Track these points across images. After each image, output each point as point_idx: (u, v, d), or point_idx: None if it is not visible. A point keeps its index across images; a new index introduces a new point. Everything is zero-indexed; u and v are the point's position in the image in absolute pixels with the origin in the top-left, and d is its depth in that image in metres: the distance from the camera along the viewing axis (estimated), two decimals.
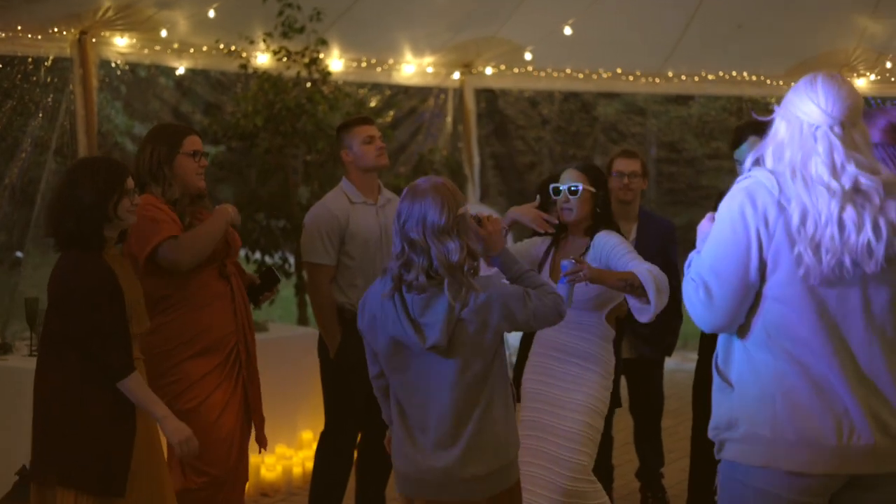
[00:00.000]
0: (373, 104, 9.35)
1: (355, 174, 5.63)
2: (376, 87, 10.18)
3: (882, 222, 3.14)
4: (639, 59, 10.59)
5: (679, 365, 9.65)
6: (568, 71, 10.68)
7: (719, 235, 3.24)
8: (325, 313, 5.51)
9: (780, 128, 3.24)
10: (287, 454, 6.61)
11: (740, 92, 11.79)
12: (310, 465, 6.48)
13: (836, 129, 3.16)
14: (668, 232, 6.18)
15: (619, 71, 10.74)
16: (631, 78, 10.79)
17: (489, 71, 10.58)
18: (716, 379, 3.33)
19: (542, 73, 10.69)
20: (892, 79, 10.44)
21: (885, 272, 3.15)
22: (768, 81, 10.80)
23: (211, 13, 8.47)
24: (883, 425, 3.14)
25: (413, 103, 10.65)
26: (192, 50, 9.02)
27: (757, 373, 3.22)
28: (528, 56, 10.18)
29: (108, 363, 4.05)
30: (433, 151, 9.81)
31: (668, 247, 6.07)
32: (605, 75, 10.75)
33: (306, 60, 8.42)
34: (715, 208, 3.32)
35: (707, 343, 5.61)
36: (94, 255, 4.12)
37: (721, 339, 3.34)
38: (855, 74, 10.55)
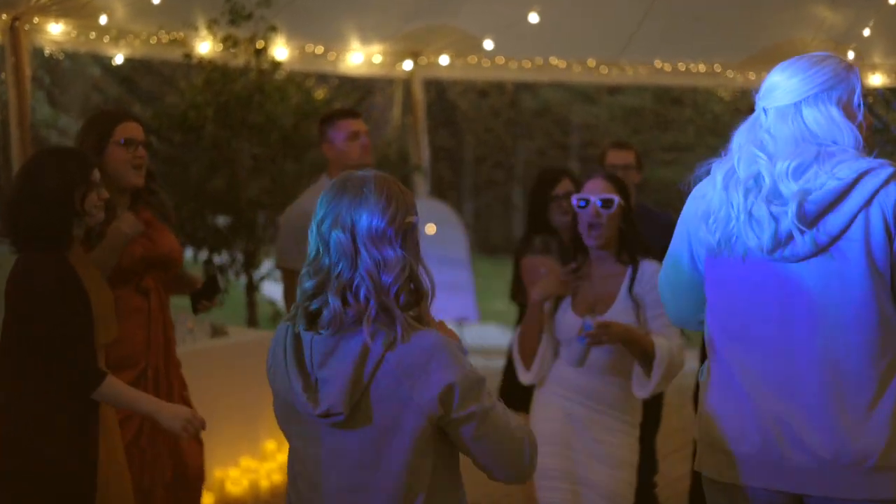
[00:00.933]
0: (319, 96, 8.91)
1: (337, 171, 5.26)
2: (322, 78, 9.76)
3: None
4: (593, 50, 10.31)
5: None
6: (521, 61, 10.36)
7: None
8: None
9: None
10: (252, 466, 6.23)
11: (695, 82, 11.64)
12: (277, 477, 6.17)
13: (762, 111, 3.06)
14: (668, 226, 5.91)
15: (572, 61, 10.46)
16: (582, 68, 10.50)
17: (442, 61, 10.22)
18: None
19: (494, 63, 10.36)
20: None
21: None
22: (724, 72, 10.60)
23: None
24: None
25: (360, 94, 10.26)
26: (130, 37, 8.56)
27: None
28: (488, 45, 9.84)
29: (77, 373, 3.67)
30: (389, 144, 9.44)
31: (668, 241, 5.83)
32: (559, 65, 10.46)
33: (258, 46, 8.00)
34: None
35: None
36: (58, 256, 3.72)
37: None
38: None
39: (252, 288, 8.33)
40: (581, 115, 21.36)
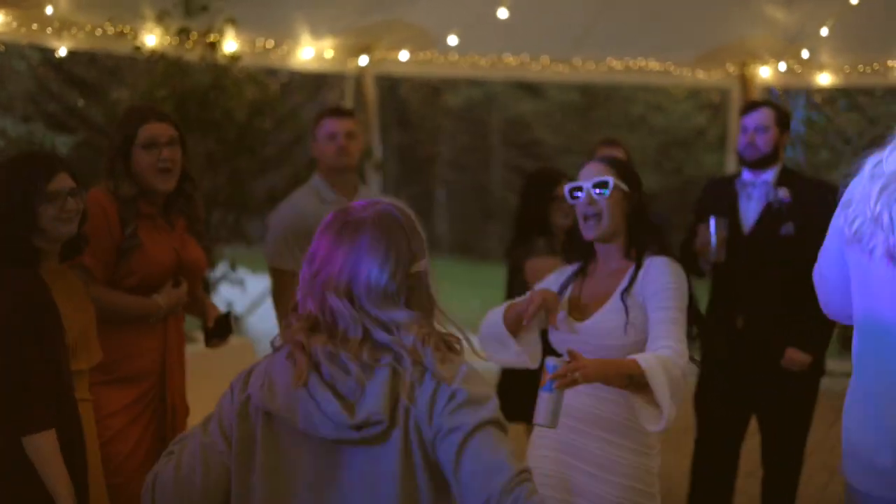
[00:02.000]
0: (273, 90, 8.69)
1: (324, 170, 5.14)
2: (271, 73, 9.51)
3: None
4: (547, 47, 10.20)
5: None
6: (474, 58, 10.22)
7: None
8: None
9: None
10: None
11: (647, 80, 11.62)
12: None
13: None
14: (664, 226, 5.80)
15: (525, 59, 10.34)
16: (537, 66, 10.39)
17: (401, 56, 10.02)
18: None
19: (447, 60, 10.20)
20: (799, 69, 10.35)
21: None
22: (675, 70, 10.56)
23: None
24: None
25: (310, 90, 10.04)
26: (75, 29, 8.23)
27: None
28: (444, 40, 9.67)
29: (22, 410, 3.22)
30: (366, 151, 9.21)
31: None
32: (512, 62, 10.33)
33: (213, 39, 7.73)
34: None
35: (708, 347, 5.27)
36: (23, 272, 3.36)
37: None
38: (760, 63, 10.44)
39: (207, 290, 8.06)
40: (506, 112, 21.43)
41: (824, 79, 10.41)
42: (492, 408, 2.37)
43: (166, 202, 4.14)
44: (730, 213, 5.07)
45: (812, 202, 4.96)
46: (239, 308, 9.11)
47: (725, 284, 5.14)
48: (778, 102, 10.03)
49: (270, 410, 2.42)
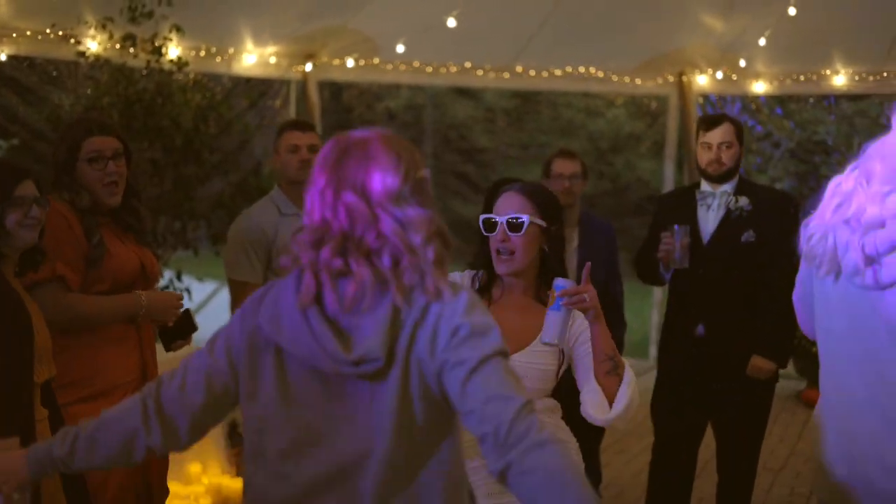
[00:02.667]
0: (218, 97, 8.62)
1: (285, 182, 5.13)
2: (215, 79, 9.44)
3: None
4: (489, 55, 10.27)
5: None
6: (416, 64, 10.26)
7: None
8: None
9: None
10: (182, 492, 5.92)
11: (587, 88, 11.73)
12: (206, 501, 5.90)
13: None
14: (610, 235, 5.88)
15: (467, 66, 10.40)
16: (480, 73, 10.45)
17: (340, 63, 10.03)
18: None
19: (390, 66, 10.23)
20: (734, 77, 10.55)
21: None
22: (615, 78, 10.70)
23: None
24: None
25: (254, 96, 9.98)
26: (15, 35, 8.13)
27: None
28: (387, 48, 9.70)
29: None
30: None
31: (612, 251, 5.81)
32: (453, 69, 10.39)
33: (157, 44, 7.67)
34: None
35: (665, 354, 5.37)
36: None
37: None
38: (697, 71, 10.62)
39: None
40: (444, 116, 21.50)
41: (759, 87, 10.61)
42: (495, 338, 2.38)
43: (113, 218, 4.09)
44: (689, 223, 5.15)
45: (770, 210, 5.09)
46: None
47: (684, 293, 5.22)
48: (721, 111, 10.25)
49: (278, 342, 2.44)
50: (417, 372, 2.37)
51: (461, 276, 3.67)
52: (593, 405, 3.38)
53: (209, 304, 11.24)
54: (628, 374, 3.37)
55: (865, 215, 2.82)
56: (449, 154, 21.70)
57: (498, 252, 3.49)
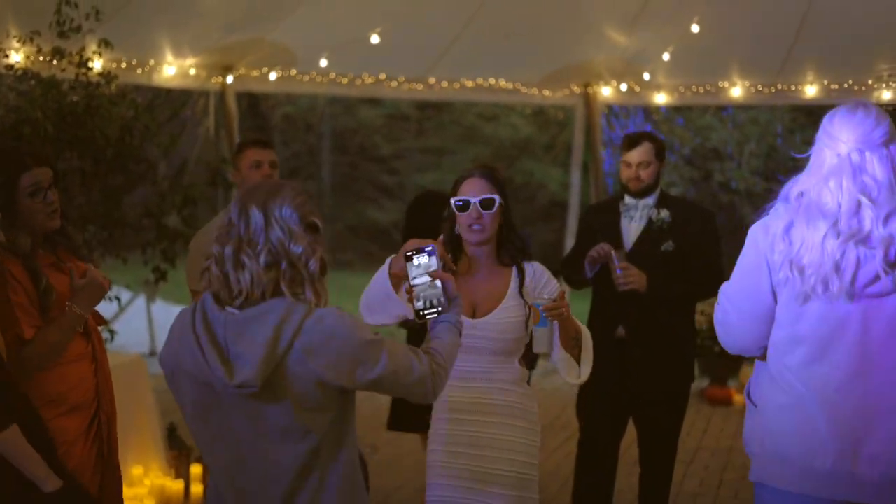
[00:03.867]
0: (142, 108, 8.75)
1: None
2: (137, 90, 9.57)
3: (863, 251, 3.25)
4: (403, 67, 10.59)
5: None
6: (332, 76, 10.52)
7: (738, 265, 3.46)
8: None
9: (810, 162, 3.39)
10: (127, 494, 6.07)
11: (497, 98, 12.10)
12: (149, 502, 6.09)
13: (854, 155, 3.28)
14: (525, 236, 6.24)
15: (382, 77, 10.69)
16: (394, 84, 10.75)
17: (258, 74, 10.25)
18: (746, 402, 3.57)
19: (307, 78, 10.47)
20: (637, 89, 11.03)
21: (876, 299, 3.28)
22: (523, 89, 11.09)
23: None
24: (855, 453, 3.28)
25: (175, 106, 10.14)
26: None
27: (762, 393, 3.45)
28: (318, 62, 9.96)
29: None
30: (225, 162, 9.32)
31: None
32: (368, 81, 10.67)
33: (84, 58, 7.79)
34: None
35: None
36: None
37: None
38: (602, 83, 11.07)
39: None
40: (344, 122, 21.68)
41: (661, 98, 11.11)
42: (370, 353, 2.85)
43: (46, 242, 4.15)
44: (612, 232, 5.54)
45: (689, 222, 5.51)
46: (117, 324, 9.22)
47: (606, 297, 5.59)
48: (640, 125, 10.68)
49: (184, 368, 2.86)
50: (296, 385, 2.79)
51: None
52: (566, 371, 4.14)
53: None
54: (587, 342, 4.12)
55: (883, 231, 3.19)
56: (344, 157, 21.91)
57: (470, 226, 4.13)
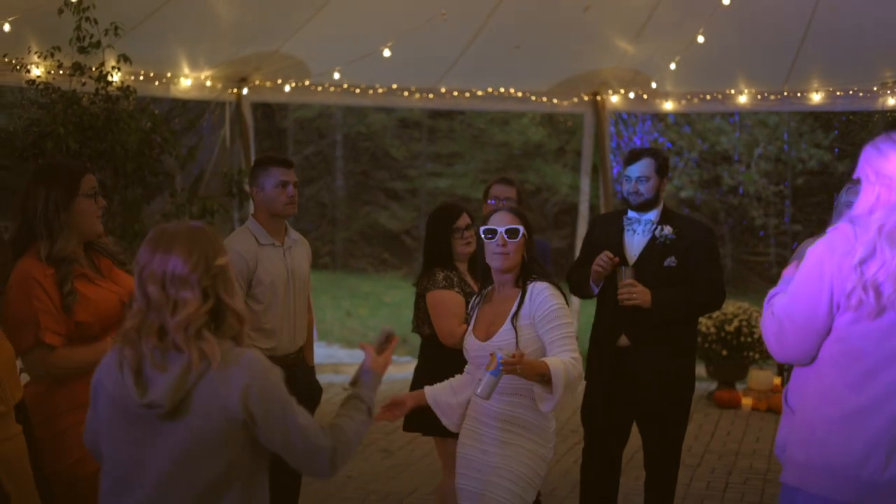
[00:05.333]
0: (160, 121, 8.95)
1: (263, 215, 5.47)
2: (155, 102, 9.79)
3: None
4: (415, 77, 10.80)
5: None
6: (346, 86, 10.72)
7: (799, 281, 3.57)
8: None
9: (878, 191, 3.51)
10: None
11: (507, 107, 12.29)
12: None
13: None
14: (545, 253, 6.42)
15: (394, 87, 10.89)
16: (406, 93, 10.95)
17: (272, 85, 10.47)
18: (783, 405, 3.72)
19: (320, 88, 10.67)
20: (645, 96, 11.18)
21: None
22: (533, 97, 11.27)
23: (6, 27, 7.96)
24: None
25: (192, 118, 10.36)
26: None
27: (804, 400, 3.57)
28: (332, 74, 10.17)
29: None
30: (242, 172, 9.53)
31: (548, 265, 6.36)
32: (381, 91, 10.88)
33: (104, 72, 8.00)
34: None
35: (593, 363, 5.88)
36: None
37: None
38: (611, 91, 11.24)
39: None
40: (356, 127, 21.81)
41: (668, 105, 11.28)
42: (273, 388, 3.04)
43: (85, 248, 4.44)
44: (616, 244, 5.72)
45: (691, 238, 5.67)
46: None
47: (610, 308, 5.76)
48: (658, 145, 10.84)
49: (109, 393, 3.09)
50: (211, 414, 2.98)
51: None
52: (540, 399, 4.38)
53: None
54: (555, 373, 4.26)
55: None
56: (356, 163, 22.05)
57: (495, 254, 4.54)
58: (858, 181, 3.61)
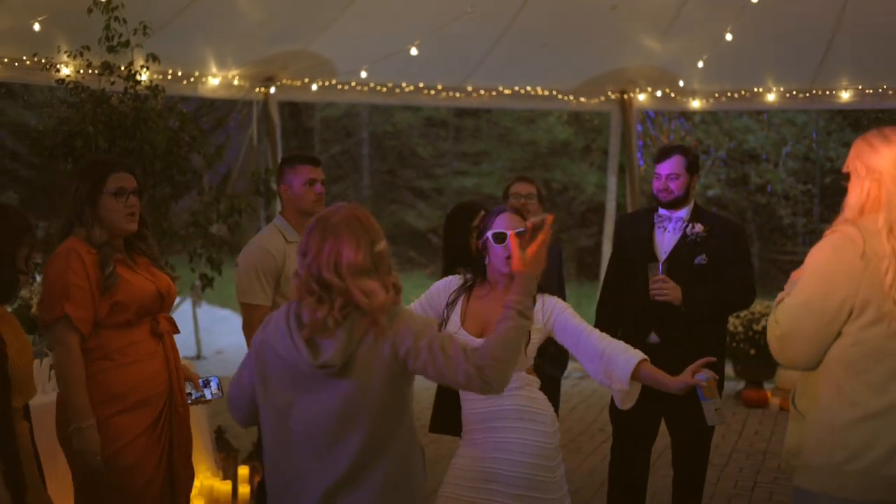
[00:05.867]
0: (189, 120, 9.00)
1: (291, 212, 5.48)
2: (183, 101, 9.84)
3: None
4: (441, 76, 10.81)
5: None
6: (371, 84, 10.74)
7: (806, 285, 3.49)
8: None
9: (868, 187, 3.48)
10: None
11: (533, 105, 12.28)
12: (199, 503, 6.31)
13: None
14: (559, 254, 6.44)
15: (421, 85, 10.91)
16: (432, 92, 10.97)
17: (299, 84, 10.51)
18: (791, 409, 3.63)
19: (347, 87, 10.70)
20: (672, 94, 11.15)
21: None
22: (560, 96, 11.26)
23: (36, 26, 8.02)
24: None
25: (219, 116, 10.41)
26: None
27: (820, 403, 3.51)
28: (357, 72, 10.20)
29: None
30: (269, 171, 9.57)
31: (561, 268, 6.38)
32: (408, 89, 10.89)
33: (132, 72, 8.04)
34: None
35: None
36: None
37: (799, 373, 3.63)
38: (638, 90, 11.21)
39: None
40: (383, 126, 21.86)
41: (696, 104, 11.25)
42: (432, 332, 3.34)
43: (125, 245, 4.54)
44: (646, 242, 5.72)
45: (722, 236, 5.65)
46: None
47: (640, 306, 5.74)
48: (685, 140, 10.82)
49: (276, 350, 3.36)
50: (380, 369, 3.27)
51: (450, 281, 4.66)
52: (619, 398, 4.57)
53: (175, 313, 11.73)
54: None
55: None
56: (382, 162, 22.10)
57: (508, 259, 4.38)
58: (847, 175, 3.58)
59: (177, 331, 4.73)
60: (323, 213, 3.37)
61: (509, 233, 4.38)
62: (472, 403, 4.41)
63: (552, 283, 5.44)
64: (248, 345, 5.41)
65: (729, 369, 10.22)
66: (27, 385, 3.86)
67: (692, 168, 5.74)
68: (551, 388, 6.51)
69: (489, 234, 4.46)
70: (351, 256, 3.25)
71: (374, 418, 3.29)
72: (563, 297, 6.16)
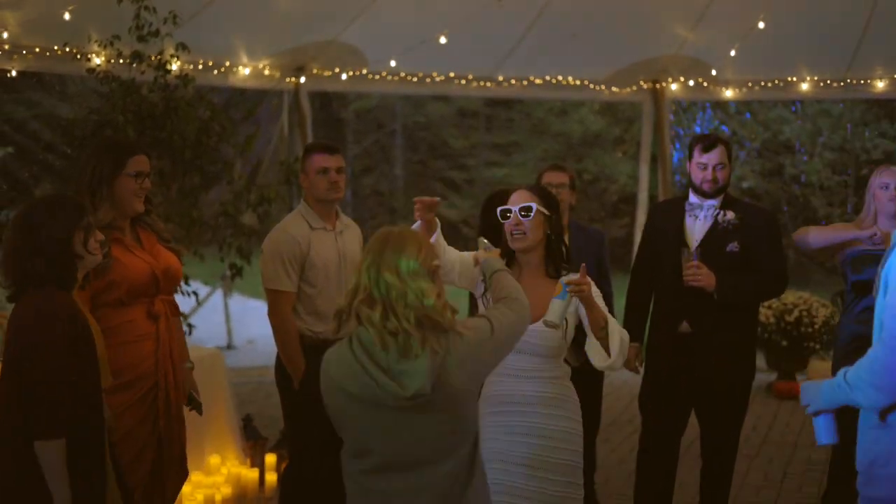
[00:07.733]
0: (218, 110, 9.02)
1: (311, 200, 5.54)
2: (213, 90, 9.87)
3: None
4: (472, 64, 10.77)
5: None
6: (402, 74, 10.72)
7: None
8: (290, 342, 5.33)
9: None
10: (205, 482, 6.38)
11: (565, 95, 12.22)
12: (226, 490, 6.33)
13: None
14: (599, 241, 6.40)
15: (451, 75, 10.88)
16: (463, 82, 10.94)
17: (330, 74, 10.51)
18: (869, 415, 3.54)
19: (377, 77, 10.69)
20: (705, 84, 11.07)
21: None
22: (591, 86, 11.21)
23: (66, 16, 8.05)
24: None
25: (249, 106, 10.43)
26: (24, 52, 8.57)
27: None
28: (387, 61, 10.19)
29: (43, 416, 3.60)
30: (298, 161, 9.55)
31: (602, 255, 6.31)
32: (438, 79, 10.87)
33: (163, 62, 8.06)
34: None
35: (653, 350, 5.83)
36: (63, 294, 3.76)
37: None
38: (670, 79, 11.14)
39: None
40: (414, 117, 21.84)
41: (729, 93, 11.17)
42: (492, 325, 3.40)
43: (132, 226, 4.71)
44: (677, 231, 5.67)
45: (754, 224, 5.60)
46: (195, 319, 9.58)
47: (671, 294, 5.70)
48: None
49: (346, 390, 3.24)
50: (452, 385, 3.22)
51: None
52: (594, 355, 4.38)
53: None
54: (612, 325, 4.34)
55: None
56: (415, 153, 22.09)
57: (512, 233, 4.44)
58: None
59: (177, 314, 4.85)
60: (386, 229, 3.37)
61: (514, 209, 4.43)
62: (509, 385, 4.38)
63: (590, 270, 5.38)
64: (273, 330, 5.48)
65: (761, 360, 10.12)
66: (106, 369, 3.97)
67: (731, 157, 5.73)
68: (596, 387, 6.47)
69: (498, 211, 4.51)
70: (412, 263, 3.23)
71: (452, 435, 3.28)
72: (607, 286, 6.09)
